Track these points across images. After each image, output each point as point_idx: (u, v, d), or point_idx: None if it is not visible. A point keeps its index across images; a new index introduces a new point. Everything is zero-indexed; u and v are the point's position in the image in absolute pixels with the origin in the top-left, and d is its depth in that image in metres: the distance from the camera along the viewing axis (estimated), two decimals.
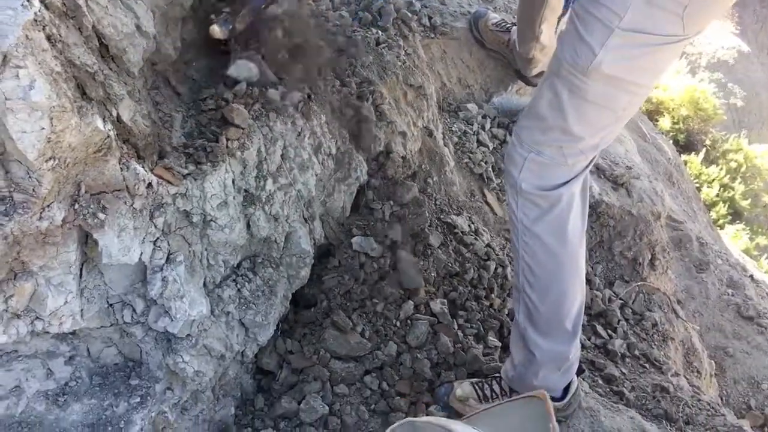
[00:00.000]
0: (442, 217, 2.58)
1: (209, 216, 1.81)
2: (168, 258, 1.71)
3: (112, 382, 1.74)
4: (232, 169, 1.87)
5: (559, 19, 2.80)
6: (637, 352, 2.76)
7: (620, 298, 3.04)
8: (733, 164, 8.23)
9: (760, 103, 10.21)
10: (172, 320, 1.70)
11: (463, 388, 2.12)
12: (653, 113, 7.85)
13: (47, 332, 1.55)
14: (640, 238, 3.24)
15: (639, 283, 3.13)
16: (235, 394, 2.08)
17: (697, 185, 7.03)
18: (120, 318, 1.68)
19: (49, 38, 1.34)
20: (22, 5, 1.27)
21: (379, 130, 2.43)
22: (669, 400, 2.50)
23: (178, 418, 1.82)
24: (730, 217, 7.54)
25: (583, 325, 2.04)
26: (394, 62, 2.57)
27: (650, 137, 4.84)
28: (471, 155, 2.92)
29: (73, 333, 1.65)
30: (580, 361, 2.10)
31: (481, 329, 2.40)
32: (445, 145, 2.76)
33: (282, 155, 2.07)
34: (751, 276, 4.37)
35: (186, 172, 1.75)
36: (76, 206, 1.49)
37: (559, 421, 1.94)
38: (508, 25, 3.10)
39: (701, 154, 7.91)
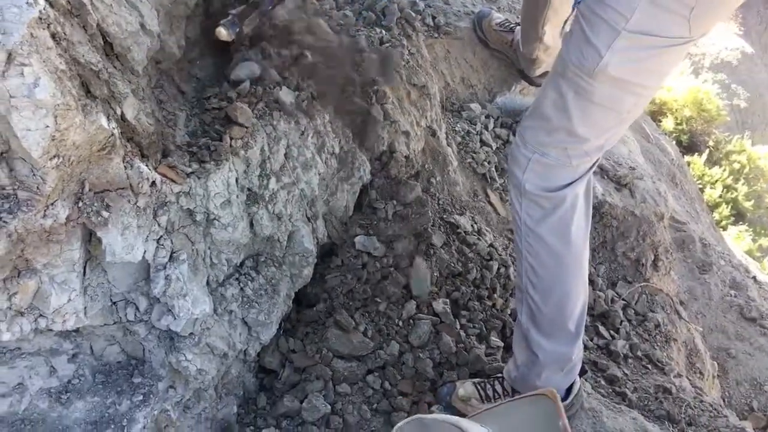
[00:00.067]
0: (445, 216, 2.58)
1: (212, 215, 1.81)
2: (171, 256, 1.71)
3: (115, 380, 1.74)
4: (236, 167, 1.87)
5: (566, 21, 2.80)
6: (639, 353, 2.75)
7: (623, 299, 3.04)
8: (736, 165, 8.23)
9: (764, 104, 10.20)
10: (175, 318, 1.70)
11: (466, 388, 2.12)
12: (656, 114, 7.86)
13: (51, 330, 1.56)
14: (643, 238, 3.23)
15: (642, 284, 3.12)
16: (238, 393, 2.08)
17: (700, 186, 7.03)
18: (123, 316, 1.68)
19: (53, 36, 1.34)
20: (27, 3, 1.27)
21: (382, 130, 2.43)
22: (671, 402, 2.50)
23: (180, 417, 1.82)
24: (733, 219, 7.55)
25: (585, 326, 2.03)
26: (397, 62, 2.57)
27: (653, 138, 4.83)
28: (474, 155, 2.92)
29: (77, 331, 1.65)
30: (583, 362, 2.09)
31: (484, 329, 2.40)
32: (448, 145, 2.76)
33: (285, 154, 2.07)
34: (754, 277, 4.37)
35: (189, 170, 1.76)
36: (80, 204, 1.49)
37: None
38: (512, 25, 3.09)
39: (704, 155, 7.91)
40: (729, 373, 3.53)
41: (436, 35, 3.06)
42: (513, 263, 2.63)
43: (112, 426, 1.66)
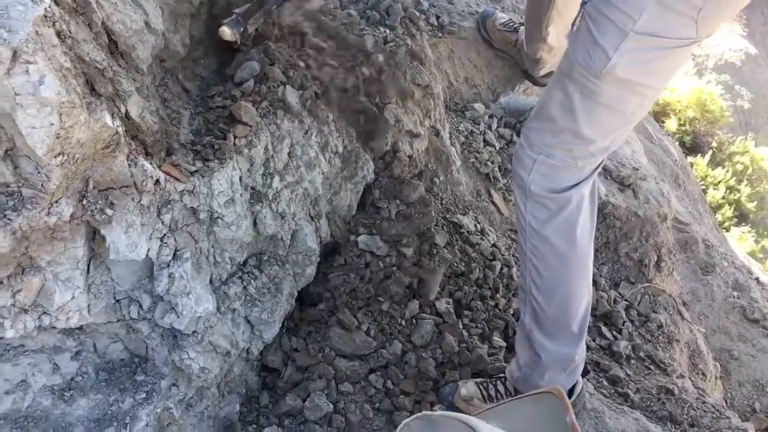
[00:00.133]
0: (448, 216, 2.58)
1: (216, 213, 1.81)
2: (175, 254, 1.71)
3: (118, 377, 1.74)
4: (240, 166, 1.87)
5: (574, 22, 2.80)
6: (642, 354, 2.75)
7: (626, 300, 3.04)
8: (740, 166, 8.22)
9: None
10: (178, 317, 1.70)
11: (468, 388, 2.12)
12: (660, 115, 7.85)
13: (54, 327, 1.55)
14: (646, 239, 3.23)
15: (645, 285, 3.12)
16: (240, 391, 2.08)
17: (703, 187, 7.02)
18: (126, 314, 1.68)
19: (58, 34, 1.34)
20: (32, 1, 1.27)
21: (385, 129, 2.43)
22: (674, 402, 2.49)
23: (183, 415, 1.82)
24: (735, 220, 7.54)
25: (588, 327, 2.03)
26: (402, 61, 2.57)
27: (657, 139, 4.82)
28: (477, 155, 2.91)
29: (80, 328, 1.65)
30: (585, 363, 2.09)
31: (486, 329, 2.40)
32: (451, 145, 2.76)
33: (289, 153, 2.07)
34: (757, 279, 4.37)
35: (193, 169, 1.76)
36: (84, 202, 1.49)
37: None
38: (516, 25, 3.09)
39: (707, 156, 7.90)
40: (731, 375, 3.53)
41: (440, 35, 3.06)
42: (516, 263, 2.63)
43: (115, 423, 1.66)
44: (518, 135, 3.07)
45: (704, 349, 3.27)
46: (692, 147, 8.03)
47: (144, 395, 1.72)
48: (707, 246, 4.06)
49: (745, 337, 3.71)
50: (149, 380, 1.75)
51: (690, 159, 7.24)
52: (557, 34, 2.76)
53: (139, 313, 1.70)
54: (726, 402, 3.32)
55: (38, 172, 1.34)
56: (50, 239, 1.44)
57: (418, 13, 2.87)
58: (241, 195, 1.89)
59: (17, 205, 1.36)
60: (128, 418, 1.67)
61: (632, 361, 2.70)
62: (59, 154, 1.35)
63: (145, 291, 1.70)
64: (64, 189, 1.42)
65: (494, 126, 3.11)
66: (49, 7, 1.31)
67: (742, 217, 7.70)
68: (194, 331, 1.77)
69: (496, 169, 2.95)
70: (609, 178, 3.34)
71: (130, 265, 1.65)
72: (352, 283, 2.28)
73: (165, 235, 1.68)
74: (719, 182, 7.72)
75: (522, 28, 3.02)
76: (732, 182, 7.84)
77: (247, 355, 2.04)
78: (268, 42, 2.19)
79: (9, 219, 1.34)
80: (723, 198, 7.60)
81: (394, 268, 2.35)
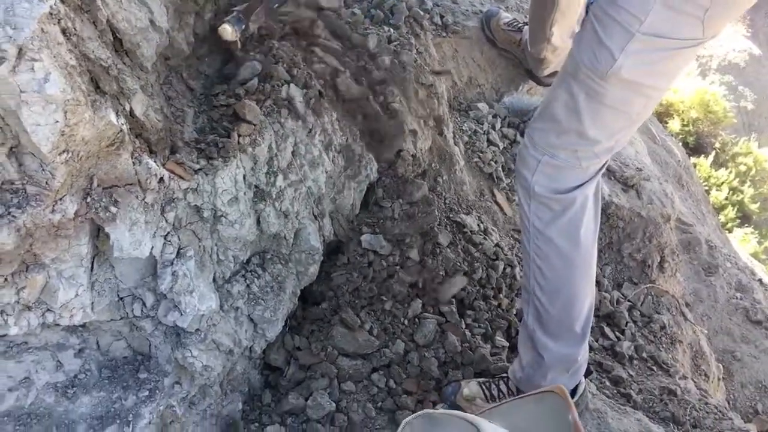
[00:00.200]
0: (451, 216, 2.57)
1: (220, 211, 1.81)
2: (178, 252, 1.71)
3: (121, 375, 1.74)
4: (243, 164, 1.88)
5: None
6: (644, 355, 2.75)
7: (628, 300, 3.03)
8: (743, 167, 8.21)
9: None
10: (181, 314, 1.70)
11: (471, 388, 2.12)
12: (663, 115, 7.84)
13: (58, 324, 1.56)
14: (650, 240, 3.23)
15: (648, 286, 3.12)
16: (243, 390, 2.08)
17: (706, 188, 7.01)
18: (130, 311, 1.69)
19: (64, 32, 1.34)
20: None
21: (389, 128, 2.43)
22: (676, 403, 2.49)
23: (185, 413, 1.82)
24: (738, 221, 7.53)
25: (591, 327, 2.03)
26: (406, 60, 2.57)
27: (660, 139, 4.82)
28: (481, 154, 2.91)
29: (83, 326, 1.65)
30: (588, 363, 2.09)
31: (489, 329, 2.40)
32: (455, 144, 2.75)
33: (293, 152, 2.07)
34: (760, 280, 4.35)
35: (197, 167, 1.76)
36: (89, 199, 1.49)
37: None
38: (520, 25, 3.09)
39: (710, 157, 7.89)
40: (734, 376, 3.52)
41: (444, 34, 3.05)
42: (519, 263, 2.63)
43: (118, 421, 1.66)
44: (522, 135, 3.07)
45: (707, 350, 3.26)
46: (695, 148, 8.02)
47: (147, 393, 1.72)
48: (710, 247, 4.05)
49: (747, 339, 3.71)
50: (152, 378, 1.75)
51: (693, 160, 7.23)
52: (561, 35, 2.76)
53: (142, 310, 1.70)
54: (728, 403, 3.31)
55: (43, 170, 1.35)
56: (54, 236, 1.44)
57: (422, 13, 2.87)
58: (244, 193, 1.89)
59: (22, 203, 1.36)
60: (131, 415, 1.67)
61: (635, 362, 2.70)
62: (64, 151, 1.35)
63: (149, 289, 1.70)
64: (68, 186, 1.42)
65: (498, 126, 3.11)
66: (55, 4, 1.31)
67: (745, 219, 7.69)
68: (197, 329, 1.77)
69: (500, 168, 2.95)
70: (612, 178, 3.33)
71: (134, 262, 1.65)
72: (355, 282, 2.28)
73: (169, 233, 1.68)
74: (722, 183, 7.71)
75: (526, 27, 3.02)
76: (735, 183, 7.83)
77: (250, 353, 2.04)
78: (272, 40, 2.19)
79: (13, 216, 1.34)
80: (726, 199, 7.59)
81: (398, 268, 2.35)
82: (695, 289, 3.81)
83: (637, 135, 4.12)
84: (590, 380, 2.31)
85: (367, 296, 2.29)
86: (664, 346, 2.90)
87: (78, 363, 1.69)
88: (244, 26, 2.01)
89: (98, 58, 1.45)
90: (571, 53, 1.71)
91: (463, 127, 2.96)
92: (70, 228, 1.46)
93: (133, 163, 1.54)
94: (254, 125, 1.92)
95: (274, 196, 1.99)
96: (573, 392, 2.06)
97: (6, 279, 1.41)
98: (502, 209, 2.88)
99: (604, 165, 1.83)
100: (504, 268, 2.58)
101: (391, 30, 2.65)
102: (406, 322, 2.29)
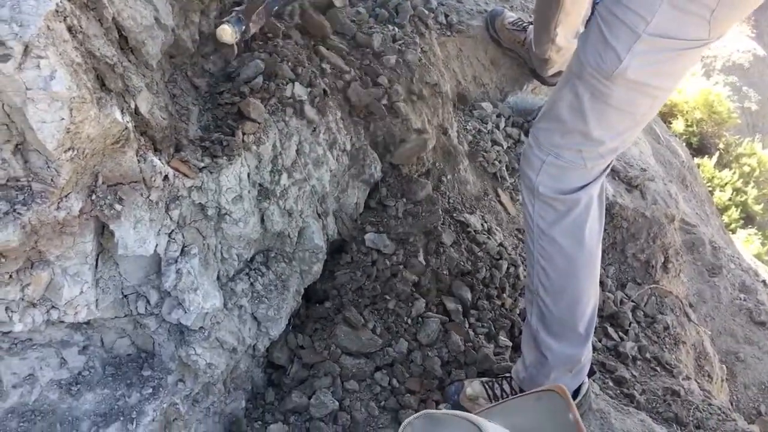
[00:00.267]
0: (455, 215, 2.57)
1: (224, 209, 1.81)
2: (182, 250, 1.71)
3: (125, 372, 1.74)
4: (248, 163, 1.88)
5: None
6: (648, 355, 2.75)
7: (632, 301, 3.03)
8: (747, 168, 8.19)
9: None
10: (185, 312, 1.70)
11: (474, 387, 2.12)
12: (667, 116, 7.82)
13: (62, 321, 1.56)
14: (654, 240, 3.22)
15: (651, 286, 3.11)
16: (246, 388, 2.08)
17: (710, 189, 6.99)
18: (134, 309, 1.69)
19: (70, 29, 1.35)
20: None
21: (394, 127, 2.43)
22: (679, 404, 2.49)
23: (189, 410, 1.82)
24: (742, 222, 7.51)
25: (594, 327, 2.03)
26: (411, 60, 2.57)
27: (664, 139, 4.81)
28: (485, 154, 2.91)
29: (88, 323, 1.66)
30: (591, 363, 2.09)
31: (492, 328, 2.40)
32: (459, 144, 2.75)
33: (297, 150, 2.07)
34: (764, 281, 4.35)
35: (202, 165, 1.76)
36: (93, 197, 1.49)
37: None
38: (525, 24, 3.09)
39: (714, 158, 7.87)
40: (737, 377, 3.52)
41: (449, 33, 3.05)
42: (523, 263, 2.63)
43: (122, 418, 1.66)
44: (526, 134, 3.07)
45: (710, 351, 3.26)
46: (699, 148, 8.00)
47: (150, 390, 1.72)
48: (714, 248, 4.04)
49: (751, 340, 3.70)
50: (156, 375, 1.75)
51: (697, 160, 7.22)
52: (565, 35, 2.76)
53: (146, 308, 1.70)
54: (732, 404, 3.31)
55: (48, 167, 1.35)
56: (59, 234, 1.45)
57: (427, 12, 2.86)
58: (248, 192, 1.89)
59: (27, 200, 1.36)
60: (135, 412, 1.68)
61: (638, 363, 2.70)
62: (69, 148, 1.35)
63: (153, 286, 1.70)
64: (73, 184, 1.43)
65: (502, 125, 3.10)
66: (61, 2, 1.31)
67: (748, 219, 7.67)
68: (201, 327, 1.77)
69: (504, 168, 2.95)
70: (617, 178, 3.33)
71: (138, 260, 1.65)
72: (358, 280, 2.28)
73: (173, 230, 1.69)
74: (726, 184, 7.69)
75: (530, 27, 3.01)
76: (739, 184, 7.81)
77: (254, 351, 2.04)
78: (276, 39, 2.19)
79: (19, 213, 1.34)
80: (729, 200, 7.57)
81: (401, 267, 2.35)
82: (699, 289, 3.81)
83: (642, 135, 4.11)
84: (593, 380, 2.31)
85: (371, 295, 2.29)
86: (667, 346, 2.89)
87: (82, 360, 1.69)
88: (244, 27, 1.93)
89: (104, 56, 1.45)
90: (576, 53, 1.70)
91: (467, 127, 2.96)
92: (74, 225, 1.46)
93: (138, 160, 1.54)
94: (259, 123, 1.92)
95: (278, 195, 1.99)
96: (576, 392, 2.06)
97: (11, 276, 1.42)
98: (505, 209, 2.88)
99: (608, 165, 1.83)
100: (507, 268, 2.58)
101: (396, 29, 2.65)
102: (409, 321, 2.29)
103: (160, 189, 1.61)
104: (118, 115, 1.44)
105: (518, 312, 2.49)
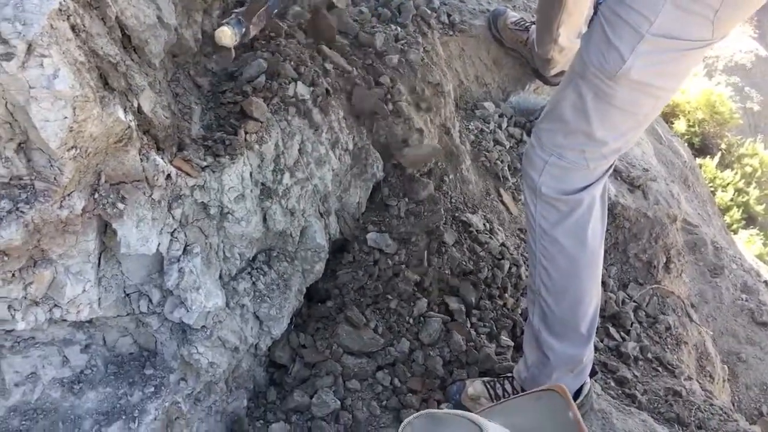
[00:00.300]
0: (457, 215, 2.57)
1: (226, 208, 1.81)
2: (185, 249, 1.71)
3: (127, 371, 1.74)
4: (250, 162, 1.88)
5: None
6: (650, 355, 2.74)
7: (634, 301, 3.03)
8: (748, 169, 8.17)
9: None
10: (187, 311, 1.70)
11: (475, 387, 2.12)
12: (669, 116, 7.81)
13: (65, 320, 1.56)
14: (656, 240, 3.22)
15: (653, 286, 3.11)
16: (248, 387, 2.08)
17: (712, 189, 6.98)
18: (136, 308, 1.69)
19: (73, 28, 1.35)
20: None
21: (396, 127, 2.43)
22: (681, 404, 2.49)
23: (191, 409, 1.82)
24: (744, 222, 7.49)
25: (596, 327, 2.03)
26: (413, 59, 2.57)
27: (666, 140, 4.80)
28: (487, 154, 2.91)
29: (90, 321, 1.66)
30: (593, 363, 2.09)
31: (494, 328, 2.40)
32: (461, 143, 2.75)
33: (299, 149, 2.07)
34: (765, 282, 4.34)
35: (204, 164, 1.76)
36: (96, 196, 1.49)
37: None
38: (527, 24, 3.08)
39: (716, 158, 7.86)
40: (739, 377, 3.52)
41: (451, 33, 3.05)
42: (525, 263, 2.63)
43: (124, 417, 1.66)
44: (528, 134, 3.07)
45: (712, 351, 3.26)
46: (701, 148, 7.99)
47: (153, 389, 1.72)
48: (716, 248, 4.04)
49: (753, 340, 3.70)
50: (158, 374, 1.76)
51: (698, 161, 7.20)
52: (568, 35, 2.76)
53: (148, 307, 1.70)
54: (733, 405, 3.30)
55: (51, 166, 1.35)
56: (62, 232, 1.45)
57: (429, 11, 2.87)
58: (251, 191, 1.89)
59: (30, 198, 1.36)
60: (137, 411, 1.68)
61: (640, 363, 2.70)
62: (72, 147, 1.35)
63: (155, 285, 1.70)
64: (76, 182, 1.43)
65: (504, 125, 3.10)
66: (64, 0, 1.31)
67: (750, 220, 7.66)
68: (203, 326, 1.77)
69: (506, 168, 2.95)
70: (619, 178, 3.33)
71: (141, 259, 1.65)
72: (360, 280, 2.28)
73: (175, 229, 1.69)
74: (728, 184, 7.68)
75: (533, 27, 3.01)
76: (741, 184, 7.79)
77: (255, 350, 2.04)
78: (279, 38, 2.19)
79: (22, 212, 1.34)
80: (731, 200, 7.55)
81: (403, 266, 2.35)
82: (701, 290, 3.80)
83: (644, 135, 4.11)
84: (595, 381, 2.31)
85: (373, 294, 2.29)
86: (669, 347, 2.89)
87: (84, 358, 1.70)
88: (244, 30, 1.85)
89: (107, 55, 1.45)
90: (579, 53, 1.70)
91: (470, 127, 2.96)
92: (77, 224, 1.46)
93: (141, 159, 1.54)
94: (261, 123, 1.92)
95: (280, 194, 1.99)
96: (578, 392, 2.06)
97: (14, 274, 1.42)
98: (507, 209, 2.88)
99: (611, 166, 1.83)
100: (509, 268, 2.58)
101: (399, 28, 2.65)
102: (411, 320, 2.29)
103: (163, 188, 1.61)
104: (121, 113, 1.45)
105: (520, 312, 2.49)
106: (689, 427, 2.41)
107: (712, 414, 2.50)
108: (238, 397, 2.03)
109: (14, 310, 1.45)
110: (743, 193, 7.78)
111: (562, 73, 2.96)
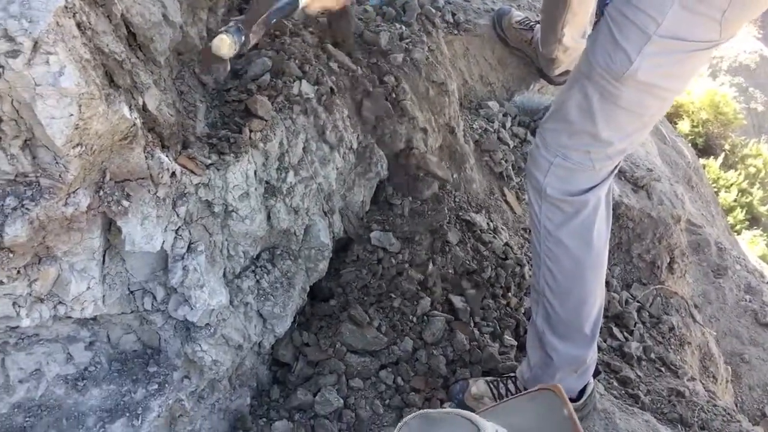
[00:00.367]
0: (460, 214, 2.57)
1: (231, 206, 1.81)
2: (189, 247, 1.71)
3: (131, 368, 1.75)
4: (255, 160, 1.88)
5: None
6: (653, 356, 2.74)
7: (637, 301, 3.02)
8: (752, 169, 8.17)
9: None
10: (191, 309, 1.70)
11: (478, 386, 2.12)
12: (673, 116, 7.80)
13: (69, 317, 1.56)
14: (659, 241, 3.22)
15: (657, 287, 3.11)
16: (251, 385, 2.08)
17: (715, 190, 6.97)
18: (140, 305, 1.69)
19: (79, 25, 1.35)
20: None
21: (400, 126, 2.43)
22: (684, 405, 2.49)
23: (194, 406, 1.83)
24: (747, 223, 7.49)
25: (599, 328, 2.03)
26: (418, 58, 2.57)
27: (670, 140, 4.80)
28: (491, 153, 2.91)
29: (94, 319, 1.66)
30: (597, 363, 2.09)
31: (498, 328, 2.40)
32: (465, 143, 2.75)
33: (304, 148, 2.07)
34: None
35: (209, 162, 1.76)
36: (101, 193, 1.49)
37: None
38: (532, 24, 3.08)
39: (720, 159, 7.85)
40: (742, 378, 3.51)
41: (456, 32, 3.05)
42: (528, 262, 2.63)
43: (127, 414, 1.67)
44: (532, 134, 3.06)
45: (715, 352, 3.25)
46: (705, 149, 7.99)
47: (156, 386, 1.72)
48: (720, 249, 4.03)
49: (756, 341, 3.69)
50: (162, 372, 1.76)
51: (702, 161, 7.19)
52: (573, 35, 2.75)
53: (152, 304, 1.70)
54: (736, 405, 3.30)
55: (56, 163, 1.35)
56: (67, 229, 1.45)
57: (434, 10, 2.86)
58: (255, 189, 1.89)
59: (35, 195, 1.36)
60: (140, 408, 1.68)
61: (643, 363, 2.69)
62: (77, 145, 1.35)
63: (159, 283, 1.71)
64: (81, 180, 1.43)
65: (508, 124, 3.10)
66: None
67: (754, 221, 7.65)
68: (207, 324, 1.78)
69: (510, 167, 2.94)
70: (623, 178, 3.32)
71: (145, 256, 1.65)
72: (364, 279, 2.28)
73: (180, 227, 1.69)
74: (731, 185, 7.67)
75: (538, 26, 3.01)
76: (744, 185, 7.79)
77: (259, 348, 2.04)
78: (284, 37, 2.19)
79: (27, 209, 1.35)
80: (735, 201, 7.55)
81: (407, 265, 2.35)
82: (704, 290, 3.80)
83: (648, 136, 4.10)
84: (598, 381, 2.31)
85: (376, 293, 2.29)
86: (672, 347, 2.89)
87: (88, 356, 1.70)
88: (243, 38, 1.69)
89: (112, 52, 1.45)
90: (585, 54, 1.69)
91: (474, 126, 2.96)
92: (82, 221, 1.47)
93: (146, 157, 1.54)
94: (266, 121, 1.92)
95: (284, 192, 1.99)
96: (581, 393, 2.05)
97: (19, 271, 1.42)
98: (511, 208, 2.87)
99: (616, 167, 1.82)
100: (513, 267, 2.58)
101: (403, 27, 2.65)
102: (414, 319, 2.29)
103: (168, 185, 1.61)
104: (126, 111, 1.45)
105: (523, 311, 2.49)
106: (692, 427, 2.41)
107: (715, 415, 2.50)
108: (241, 395, 2.03)
109: (19, 306, 1.45)
110: (747, 193, 7.78)
111: (566, 72, 2.96)
